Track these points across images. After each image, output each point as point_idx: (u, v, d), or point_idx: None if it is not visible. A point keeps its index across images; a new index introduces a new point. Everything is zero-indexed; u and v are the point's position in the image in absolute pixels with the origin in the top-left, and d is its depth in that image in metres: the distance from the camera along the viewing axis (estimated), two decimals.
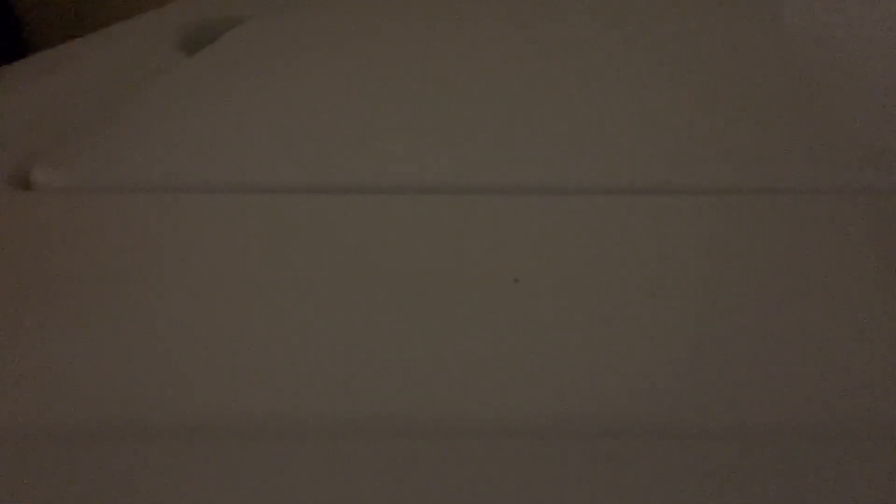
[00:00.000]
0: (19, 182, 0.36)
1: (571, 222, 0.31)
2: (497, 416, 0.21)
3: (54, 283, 0.28)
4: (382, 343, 0.24)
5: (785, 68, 0.50)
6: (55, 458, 0.20)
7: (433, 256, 0.29)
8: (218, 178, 0.36)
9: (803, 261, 0.28)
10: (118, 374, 0.23)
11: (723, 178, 0.35)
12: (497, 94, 0.46)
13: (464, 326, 0.25)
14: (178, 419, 0.21)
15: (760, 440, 0.20)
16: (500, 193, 0.34)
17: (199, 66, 0.52)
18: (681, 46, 0.55)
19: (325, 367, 0.23)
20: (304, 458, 0.20)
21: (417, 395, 0.22)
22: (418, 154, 0.37)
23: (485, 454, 0.20)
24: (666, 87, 0.46)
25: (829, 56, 0.52)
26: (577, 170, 0.36)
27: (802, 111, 0.42)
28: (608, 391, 0.22)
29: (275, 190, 0.34)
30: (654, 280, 0.27)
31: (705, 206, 0.32)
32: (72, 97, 0.47)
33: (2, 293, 0.27)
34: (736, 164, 0.36)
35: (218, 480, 0.19)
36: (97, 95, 0.48)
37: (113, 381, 0.23)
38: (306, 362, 0.23)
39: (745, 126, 0.40)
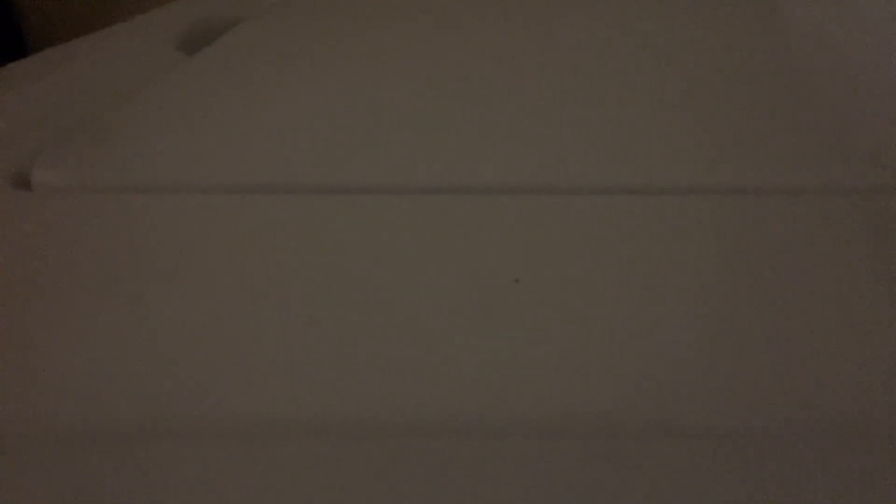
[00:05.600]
0: (19, 182, 0.36)
1: (571, 222, 0.31)
2: (497, 416, 0.21)
3: (54, 283, 0.28)
4: (383, 343, 0.24)
5: (784, 68, 0.50)
6: (55, 458, 0.20)
7: (434, 256, 0.29)
8: (218, 178, 0.36)
9: (802, 261, 0.28)
10: (118, 374, 0.23)
11: (723, 178, 0.35)
12: (498, 94, 0.46)
13: (465, 326, 0.25)
14: (178, 419, 0.21)
15: (760, 440, 0.20)
16: (501, 193, 0.34)
17: (199, 66, 0.52)
18: (681, 47, 0.55)
19: (326, 367, 0.23)
20: (304, 458, 0.20)
21: (418, 395, 0.22)
22: (418, 154, 0.37)
23: (485, 454, 0.20)
24: (666, 88, 0.46)
25: (829, 56, 0.52)
26: (577, 170, 0.36)
27: (802, 111, 0.42)
28: (608, 391, 0.22)
29: (275, 190, 0.34)
30: (655, 280, 0.27)
31: (705, 206, 0.32)
32: (72, 97, 0.47)
33: (2, 293, 0.27)
34: (736, 164, 0.36)
35: (218, 480, 0.19)
36: (97, 95, 0.48)
37: (113, 381, 0.23)
38: (307, 362, 0.23)
39: (744, 126, 0.40)
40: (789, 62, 0.51)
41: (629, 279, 0.27)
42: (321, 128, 0.41)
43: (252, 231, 0.31)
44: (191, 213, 0.33)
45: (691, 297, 0.26)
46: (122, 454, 0.20)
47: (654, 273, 0.28)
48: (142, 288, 0.27)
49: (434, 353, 0.24)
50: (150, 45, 0.59)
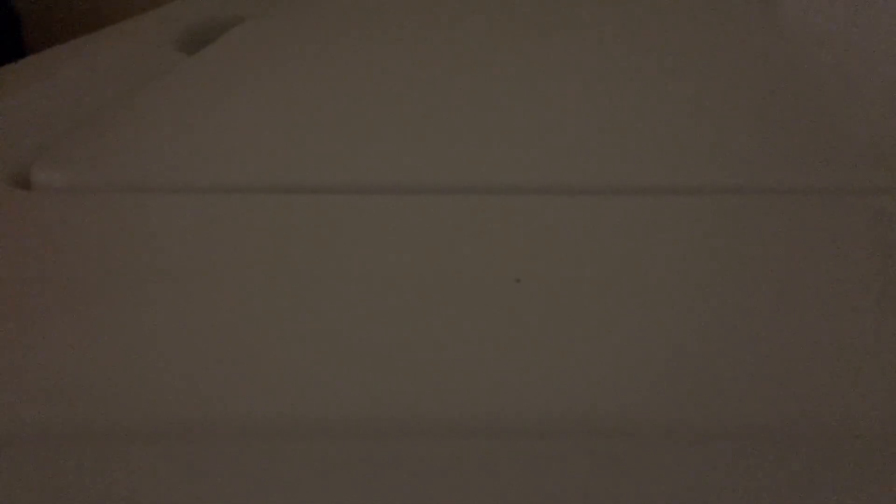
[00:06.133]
0: (19, 182, 0.36)
1: (572, 222, 0.31)
2: (497, 416, 0.21)
3: (54, 283, 0.28)
4: (383, 343, 0.24)
5: (785, 68, 0.50)
6: (55, 458, 0.20)
7: (434, 256, 0.29)
8: (218, 178, 0.36)
9: (803, 261, 0.28)
10: (118, 374, 0.23)
11: (722, 178, 0.35)
12: (498, 93, 0.46)
13: (465, 326, 0.25)
14: (177, 419, 0.21)
15: (760, 440, 0.20)
16: (501, 193, 0.34)
17: (199, 66, 0.52)
18: (681, 47, 0.55)
19: (326, 367, 0.23)
20: (304, 458, 0.20)
21: (418, 395, 0.22)
22: (418, 154, 0.37)
23: (485, 454, 0.20)
24: (666, 88, 0.46)
25: (828, 56, 0.52)
26: (577, 170, 0.36)
27: (802, 111, 0.42)
28: (609, 391, 0.22)
29: (275, 190, 0.34)
30: (655, 280, 0.27)
31: (705, 206, 0.32)
32: (72, 97, 0.47)
33: (2, 293, 0.27)
34: (735, 164, 0.36)
35: (217, 480, 0.19)
36: (97, 95, 0.48)
37: (113, 381, 0.23)
38: (307, 362, 0.23)
39: (744, 126, 0.40)
40: (789, 62, 0.51)
41: (630, 279, 0.27)
42: (321, 128, 0.41)
43: (252, 231, 0.31)
44: (191, 213, 0.33)
45: (691, 296, 0.26)
46: (121, 454, 0.20)
47: (655, 273, 0.28)
48: (142, 288, 0.27)
49: (434, 353, 0.24)
50: (150, 45, 0.59)
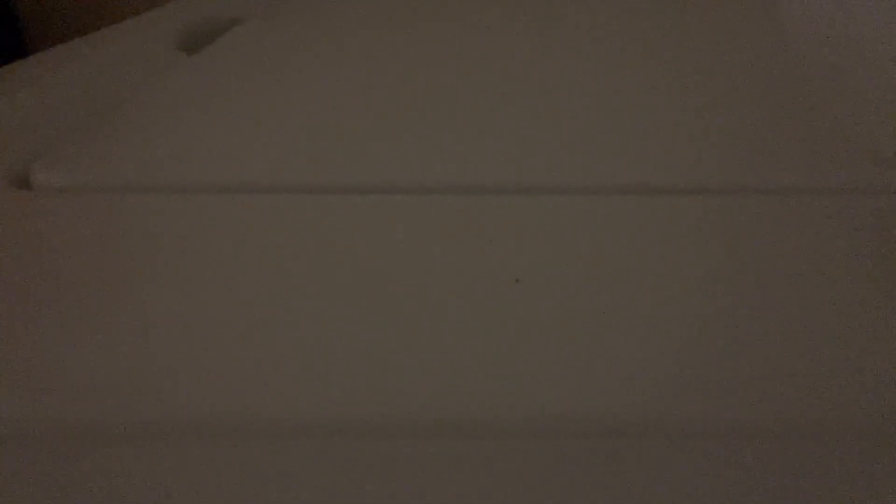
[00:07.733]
0: (19, 182, 0.36)
1: (571, 222, 0.31)
2: (498, 417, 0.21)
3: (54, 283, 0.28)
4: (383, 343, 0.24)
5: (785, 68, 0.50)
6: (55, 458, 0.20)
7: (434, 256, 0.29)
8: (218, 178, 0.36)
9: (803, 261, 0.28)
10: (117, 374, 0.23)
11: (722, 178, 0.35)
12: (497, 94, 0.46)
13: (465, 326, 0.25)
14: (176, 419, 0.21)
15: (760, 440, 0.20)
16: (501, 193, 0.34)
17: (199, 66, 0.52)
18: (681, 46, 0.55)
19: (326, 366, 0.23)
20: (304, 458, 0.20)
21: (418, 395, 0.22)
22: (418, 154, 0.37)
23: (485, 454, 0.20)
24: (666, 87, 0.46)
25: (829, 56, 0.52)
26: (577, 170, 0.36)
27: (802, 111, 0.42)
28: (608, 391, 0.22)
29: (275, 190, 0.34)
30: (655, 280, 0.27)
31: (705, 206, 0.32)
32: (72, 97, 0.47)
33: (2, 293, 0.27)
34: (735, 164, 0.36)
35: (216, 480, 0.19)
36: (97, 95, 0.48)
37: (112, 381, 0.23)
38: (307, 362, 0.23)
39: (744, 126, 0.40)
40: (789, 62, 0.51)
41: (629, 279, 0.27)
42: (321, 128, 0.41)
43: (252, 231, 0.31)
44: (191, 213, 0.33)
45: (691, 297, 0.26)
46: (121, 454, 0.20)
47: (655, 273, 0.28)
48: (141, 288, 0.27)
49: (434, 353, 0.24)
50: (150, 45, 0.59)
